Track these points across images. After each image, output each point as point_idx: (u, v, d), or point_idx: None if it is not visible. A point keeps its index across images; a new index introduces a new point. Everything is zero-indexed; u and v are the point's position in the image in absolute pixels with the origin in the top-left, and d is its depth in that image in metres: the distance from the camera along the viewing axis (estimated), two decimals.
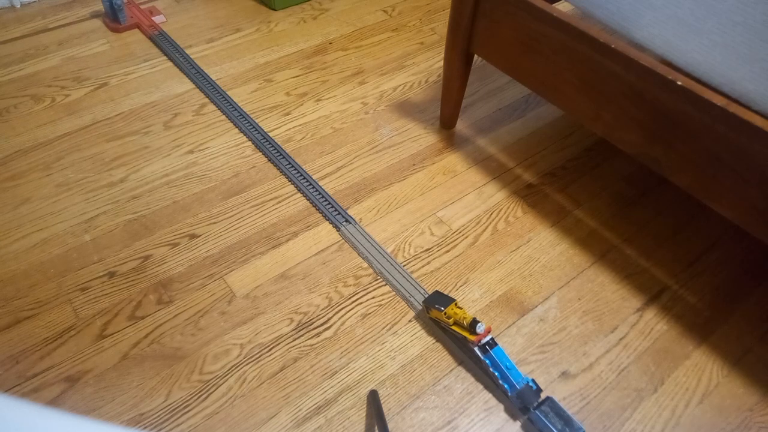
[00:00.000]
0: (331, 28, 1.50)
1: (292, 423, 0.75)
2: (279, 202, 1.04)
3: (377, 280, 0.92)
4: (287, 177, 1.08)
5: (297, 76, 1.33)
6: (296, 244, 0.97)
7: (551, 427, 0.71)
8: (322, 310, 0.88)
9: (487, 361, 0.76)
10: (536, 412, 0.72)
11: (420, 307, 0.87)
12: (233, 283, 0.91)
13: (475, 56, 1.08)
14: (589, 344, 0.86)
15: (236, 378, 0.79)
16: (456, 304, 0.81)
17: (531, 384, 0.75)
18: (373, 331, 0.86)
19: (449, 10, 1.01)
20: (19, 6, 1.49)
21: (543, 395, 0.75)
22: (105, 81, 1.28)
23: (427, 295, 0.87)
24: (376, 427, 0.72)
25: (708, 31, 0.77)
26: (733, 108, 0.68)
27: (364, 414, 0.76)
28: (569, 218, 1.04)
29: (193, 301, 0.88)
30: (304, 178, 1.08)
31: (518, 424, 0.76)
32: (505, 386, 0.75)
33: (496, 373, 0.76)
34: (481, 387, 0.80)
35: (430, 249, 0.98)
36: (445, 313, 0.80)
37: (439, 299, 0.83)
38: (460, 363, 0.82)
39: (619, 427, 0.77)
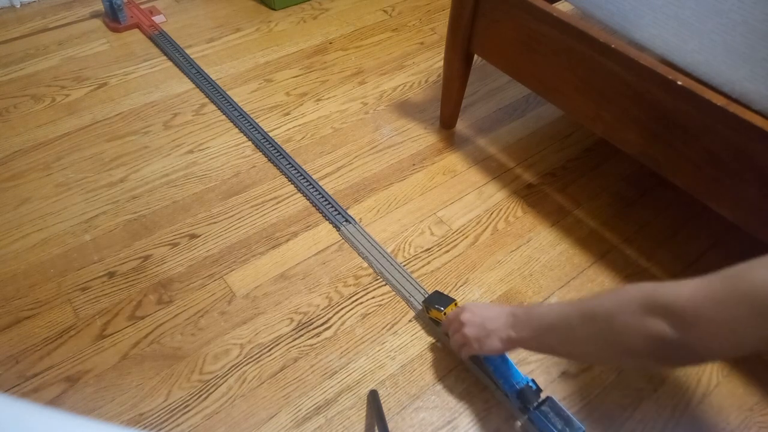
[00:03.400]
0: (331, 28, 1.50)
1: (292, 423, 0.75)
2: (279, 202, 1.04)
3: (377, 280, 0.92)
4: (287, 177, 1.08)
5: (297, 76, 1.33)
6: (296, 244, 0.97)
7: (551, 427, 0.71)
8: (322, 310, 0.88)
9: (487, 361, 0.76)
10: (536, 412, 0.72)
11: (420, 307, 0.87)
12: (233, 283, 0.91)
13: (475, 56, 1.08)
14: None
15: (236, 378, 0.79)
16: (456, 304, 0.81)
17: (531, 384, 0.75)
18: (373, 331, 0.86)
19: (449, 10, 1.01)
20: (19, 6, 1.49)
21: (543, 395, 0.75)
22: (105, 81, 1.28)
23: (427, 295, 0.87)
24: (376, 427, 0.72)
25: (708, 31, 0.77)
26: (733, 108, 0.68)
27: (364, 414, 0.76)
28: (569, 218, 1.04)
29: (193, 301, 0.88)
30: (304, 178, 1.08)
31: (518, 424, 0.76)
32: (505, 386, 0.75)
33: (496, 373, 0.76)
34: (481, 387, 0.80)
35: (430, 249, 0.98)
36: (444, 314, 0.80)
37: (439, 299, 0.83)
38: (460, 363, 0.82)
39: (619, 427, 0.77)
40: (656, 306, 0.50)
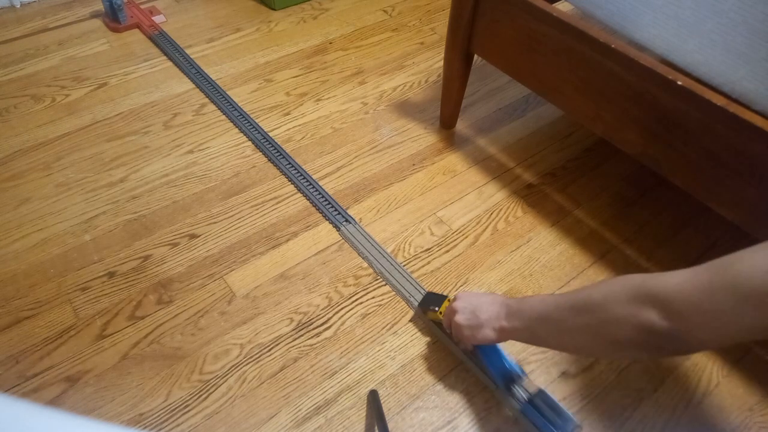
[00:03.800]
0: (331, 28, 1.50)
1: (292, 423, 0.75)
2: (279, 202, 1.04)
3: (377, 280, 0.92)
4: (287, 177, 1.08)
5: (297, 76, 1.33)
6: (296, 244, 0.97)
7: (543, 418, 0.71)
8: (322, 310, 0.88)
9: (479, 349, 0.77)
10: (528, 404, 0.73)
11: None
12: (233, 283, 0.91)
13: (475, 56, 1.08)
14: None
15: (236, 378, 0.79)
16: (449, 300, 0.82)
17: (519, 372, 0.75)
18: (373, 331, 0.86)
19: (449, 10, 1.01)
20: (19, 6, 1.49)
21: (535, 391, 0.75)
22: (105, 81, 1.28)
23: (421, 299, 0.86)
24: (376, 427, 0.72)
25: (708, 31, 0.77)
26: (733, 108, 0.68)
27: (364, 414, 0.76)
28: (569, 218, 1.04)
29: (193, 301, 0.88)
30: (304, 178, 1.08)
31: (518, 424, 0.76)
32: (492, 370, 0.75)
33: (484, 357, 0.76)
34: (481, 387, 0.80)
35: (430, 249, 0.98)
36: (439, 312, 0.80)
37: (432, 300, 0.83)
38: (460, 363, 0.82)
39: (619, 427, 0.77)
40: (646, 296, 0.51)
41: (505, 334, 0.68)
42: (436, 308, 0.81)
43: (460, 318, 0.72)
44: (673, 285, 0.49)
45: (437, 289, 0.91)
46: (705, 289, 0.47)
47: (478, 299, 0.72)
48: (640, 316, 0.50)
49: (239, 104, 1.24)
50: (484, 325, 0.69)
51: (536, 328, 0.64)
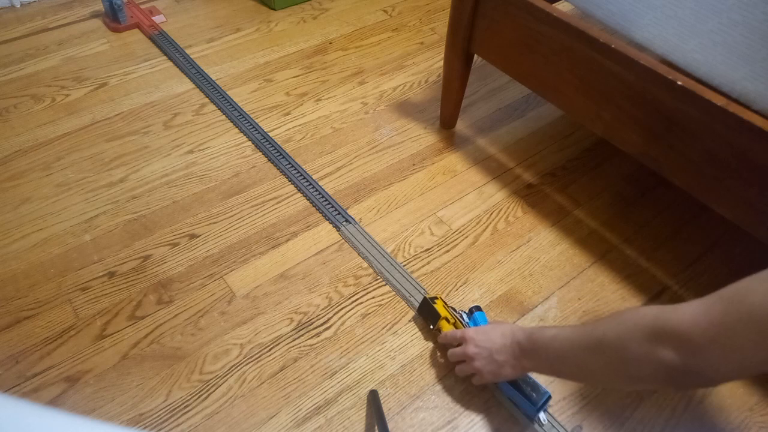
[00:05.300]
0: (331, 28, 1.50)
1: (292, 423, 0.75)
2: (279, 202, 1.04)
3: (377, 280, 0.92)
4: (287, 177, 1.08)
5: (297, 76, 1.33)
6: (296, 244, 0.97)
7: (519, 393, 0.73)
8: (322, 310, 0.88)
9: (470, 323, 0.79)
10: (504, 381, 0.75)
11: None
12: (233, 283, 0.90)
13: (475, 56, 1.08)
14: None
15: (236, 378, 0.79)
16: (447, 321, 0.82)
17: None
18: (373, 331, 0.86)
19: (449, 10, 1.01)
20: (19, 6, 1.49)
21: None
22: (105, 81, 1.28)
23: (418, 304, 0.86)
24: (376, 427, 0.72)
25: (708, 31, 0.77)
26: (733, 108, 0.68)
27: (364, 414, 0.76)
28: (569, 218, 1.04)
29: (193, 301, 0.88)
30: (304, 178, 1.08)
31: (519, 424, 0.76)
32: None
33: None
34: (480, 387, 0.80)
35: (430, 249, 0.98)
36: (436, 329, 0.83)
37: (427, 312, 0.83)
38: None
39: (619, 427, 0.77)
40: (661, 334, 0.50)
41: (525, 371, 0.70)
42: (432, 327, 0.83)
43: (479, 364, 0.72)
44: (688, 321, 0.48)
45: (437, 290, 0.91)
46: (720, 323, 0.46)
47: (491, 340, 0.72)
48: (657, 354, 0.50)
49: (239, 104, 1.24)
50: (504, 366, 0.70)
51: (555, 366, 0.65)
